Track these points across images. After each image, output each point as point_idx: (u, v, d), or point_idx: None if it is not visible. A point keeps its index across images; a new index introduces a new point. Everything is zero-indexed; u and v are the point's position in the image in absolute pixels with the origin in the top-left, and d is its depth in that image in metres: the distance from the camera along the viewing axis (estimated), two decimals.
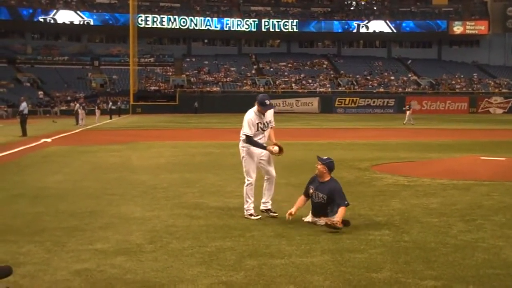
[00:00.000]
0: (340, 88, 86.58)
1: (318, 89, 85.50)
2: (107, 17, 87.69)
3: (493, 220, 9.64)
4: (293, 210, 9.27)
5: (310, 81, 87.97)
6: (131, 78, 75.94)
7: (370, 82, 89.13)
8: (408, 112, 49.60)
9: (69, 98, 75.13)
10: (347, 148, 24.22)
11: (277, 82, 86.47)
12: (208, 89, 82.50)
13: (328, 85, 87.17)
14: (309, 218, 9.37)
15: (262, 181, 10.09)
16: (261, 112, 9.74)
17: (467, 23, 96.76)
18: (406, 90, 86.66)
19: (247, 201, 9.83)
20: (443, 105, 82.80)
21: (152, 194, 12.28)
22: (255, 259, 7.18)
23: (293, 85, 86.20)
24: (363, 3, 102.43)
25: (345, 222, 8.90)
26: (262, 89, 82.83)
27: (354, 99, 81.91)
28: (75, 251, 7.55)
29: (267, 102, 9.70)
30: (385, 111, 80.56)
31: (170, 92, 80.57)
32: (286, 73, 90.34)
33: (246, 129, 9.73)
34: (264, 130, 9.88)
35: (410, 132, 36.77)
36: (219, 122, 51.68)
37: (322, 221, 8.92)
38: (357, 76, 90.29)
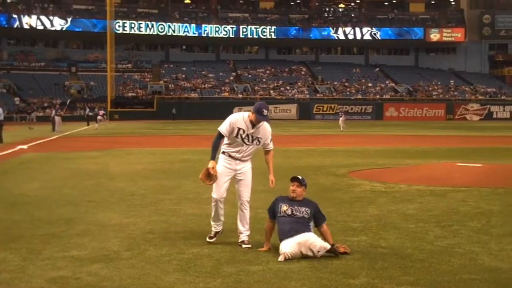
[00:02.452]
0: (318, 95, 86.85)
1: (296, 95, 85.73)
2: (84, 23, 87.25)
3: (469, 226, 9.72)
4: (266, 247, 7.96)
5: (288, 87, 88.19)
6: (108, 84, 75.66)
7: (348, 89, 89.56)
8: (341, 119, 50.21)
9: (45, 104, 74.68)
10: (325, 155, 24.30)
11: (256, 89, 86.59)
12: (186, 95, 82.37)
13: (306, 92, 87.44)
14: (286, 249, 7.46)
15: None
16: (253, 123, 8.15)
17: (444, 30, 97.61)
18: (384, 97, 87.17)
19: (211, 221, 8.56)
20: (420, 112, 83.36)
21: (130, 201, 12.22)
22: (233, 265, 7.18)
23: (271, 91, 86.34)
24: (341, 10, 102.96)
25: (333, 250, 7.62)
26: (240, 96, 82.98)
27: (332, 105, 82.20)
28: (51, 259, 7.49)
29: (265, 112, 8.09)
30: (363, 117, 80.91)
31: (148, 98, 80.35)
32: (264, 80, 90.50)
33: (223, 124, 8.23)
34: (246, 144, 8.22)
35: (388, 139, 36.97)
36: (198, 128, 51.63)
37: (319, 250, 7.42)
38: (335, 83, 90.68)
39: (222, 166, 8.30)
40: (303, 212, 7.85)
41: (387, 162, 20.79)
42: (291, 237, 7.54)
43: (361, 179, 15.89)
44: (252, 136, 8.18)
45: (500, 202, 12.14)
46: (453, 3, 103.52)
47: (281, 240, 7.68)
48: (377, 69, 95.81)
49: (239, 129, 8.13)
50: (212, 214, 8.50)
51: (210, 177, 8.18)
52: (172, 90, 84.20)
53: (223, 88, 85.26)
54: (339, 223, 9.92)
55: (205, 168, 8.24)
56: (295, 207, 7.86)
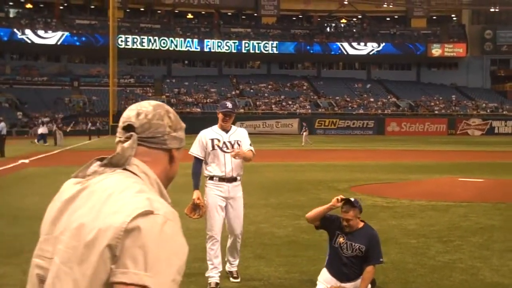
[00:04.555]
0: (320, 110, 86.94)
1: (298, 110, 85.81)
2: (87, 38, 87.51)
3: (471, 241, 9.72)
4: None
5: (290, 102, 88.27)
6: (110, 98, 75.73)
7: (350, 104, 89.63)
8: (304, 134, 50.30)
9: (48, 119, 74.77)
10: (326, 170, 24.30)
11: (257, 103, 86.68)
12: (188, 110, 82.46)
13: (308, 107, 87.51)
14: (322, 286, 6.80)
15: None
16: (224, 128, 7.39)
17: (446, 45, 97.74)
18: (385, 112, 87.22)
19: (208, 264, 7.47)
20: (422, 127, 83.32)
21: None
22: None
23: (273, 106, 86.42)
24: (342, 26, 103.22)
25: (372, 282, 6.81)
26: (242, 110, 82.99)
27: (334, 120, 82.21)
28: None
29: (228, 104, 7.44)
30: (365, 132, 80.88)
31: None
32: (266, 95, 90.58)
33: (192, 147, 7.33)
34: (226, 152, 7.36)
35: (389, 154, 36.94)
36: None
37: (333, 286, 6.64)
38: (337, 97, 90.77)
39: (213, 195, 7.38)
40: (356, 249, 6.65)
41: (389, 177, 20.80)
42: (341, 282, 6.67)
43: (363, 194, 15.88)
44: (230, 142, 7.36)
45: (501, 217, 12.15)
46: (454, 18, 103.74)
47: (327, 269, 6.86)
48: (369, 85, 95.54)
49: (212, 140, 7.32)
50: (209, 258, 7.38)
51: (196, 209, 7.21)
52: (174, 104, 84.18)
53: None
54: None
55: (195, 205, 7.25)
56: (350, 242, 6.66)
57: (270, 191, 16.39)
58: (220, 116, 7.35)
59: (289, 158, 31.64)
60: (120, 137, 1.99)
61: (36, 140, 47.37)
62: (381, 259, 6.67)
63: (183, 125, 2.09)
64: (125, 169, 1.93)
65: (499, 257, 8.53)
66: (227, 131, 7.37)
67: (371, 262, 6.59)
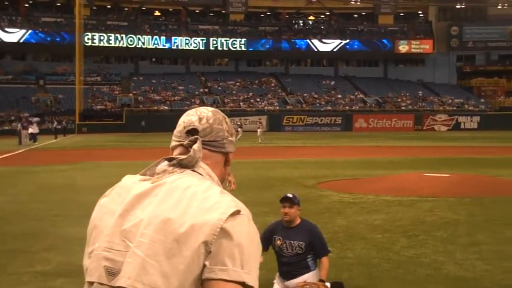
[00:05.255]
0: (288, 107, 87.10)
1: (266, 107, 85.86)
2: (53, 36, 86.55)
3: (435, 236, 9.82)
4: None
5: (258, 99, 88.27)
6: (77, 97, 75.06)
7: (318, 101, 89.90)
8: (259, 130, 50.64)
9: (12, 118, 73.85)
10: (294, 166, 24.36)
11: (225, 101, 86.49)
12: (155, 108, 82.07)
13: (276, 104, 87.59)
14: (276, 286, 6.92)
15: None
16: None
17: (412, 42, 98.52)
18: (353, 108, 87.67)
19: None
20: (389, 123, 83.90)
21: None
22: None
23: (241, 103, 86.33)
24: (310, 23, 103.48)
25: (339, 285, 7.01)
26: (210, 108, 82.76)
27: (302, 117, 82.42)
28: (16, 274, 7.41)
29: None
30: (333, 129, 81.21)
31: (117, 111, 79.80)
32: (234, 92, 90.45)
33: None
34: None
35: (357, 150, 37.17)
36: (167, 141, 50.93)
37: (301, 285, 6.55)
38: (305, 94, 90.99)
39: None
40: (296, 247, 6.68)
41: (356, 173, 20.91)
42: (286, 280, 6.76)
43: (330, 190, 15.97)
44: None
45: (466, 212, 12.28)
46: (421, 15, 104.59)
47: (279, 274, 6.90)
48: (333, 82, 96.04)
49: None
50: None
51: None
52: (141, 102, 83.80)
53: (192, 100, 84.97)
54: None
55: None
56: (289, 241, 6.69)
57: (237, 188, 16.28)
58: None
59: (257, 155, 31.64)
60: (180, 141, 2.07)
61: (28, 139, 47.46)
62: (328, 249, 6.79)
63: (234, 131, 2.18)
64: (193, 170, 2.00)
65: (463, 251, 8.62)
66: None
67: (321, 255, 6.68)
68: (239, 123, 57.22)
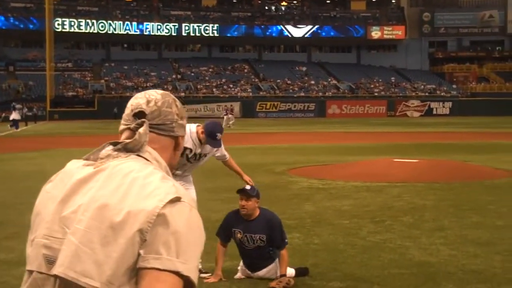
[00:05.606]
0: (261, 93, 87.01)
1: (239, 94, 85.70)
2: (22, 21, 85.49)
3: (402, 221, 9.83)
4: (218, 273, 6.70)
5: (231, 85, 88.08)
6: (47, 83, 74.23)
7: (291, 87, 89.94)
8: (225, 117, 50.99)
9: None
10: (265, 153, 24.32)
11: (198, 87, 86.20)
12: (127, 94, 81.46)
13: (249, 90, 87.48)
14: (240, 274, 6.88)
15: None
16: (201, 141, 6.96)
17: (385, 28, 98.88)
18: (326, 94, 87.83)
19: None
20: (362, 109, 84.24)
21: None
22: None
23: (214, 89, 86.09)
24: (283, 8, 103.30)
25: (303, 271, 6.83)
26: (182, 94, 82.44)
27: (275, 103, 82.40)
28: None
29: (218, 136, 6.81)
30: (306, 115, 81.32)
31: (89, 97, 79.13)
32: (207, 78, 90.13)
33: None
34: (191, 162, 7.12)
35: (330, 136, 37.24)
36: None
37: (276, 283, 6.41)
38: (278, 80, 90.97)
39: None
40: (257, 240, 6.65)
41: (327, 159, 20.91)
42: (251, 272, 6.75)
43: (300, 176, 15.95)
44: (199, 154, 7.08)
45: (434, 197, 12.33)
46: (393, 1, 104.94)
47: (243, 263, 6.85)
48: (305, 68, 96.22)
49: (185, 149, 6.84)
50: None
51: None
52: (113, 89, 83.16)
53: (165, 87, 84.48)
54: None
55: None
56: (249, 234, 6.66)
57: (207, 175, 16.19)
58: (202, 137, 6.90)
59: (229, 142, 31.50)
60: (128, 124, 2.01)
61: (9, 126, 47.36)
62: (286, 240, 6.71)
63: (186, 114, 2.13)
64: (138, 155, 1.94)
65: (428, 236, 8.64)
66: (202, 143, 6.96)
67: (279, 247, 6.64)
68: (231, 107, 57.15)
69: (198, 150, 7.04)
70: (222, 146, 7.23)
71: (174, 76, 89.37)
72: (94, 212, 1.79)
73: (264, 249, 6.67)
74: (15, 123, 47.12)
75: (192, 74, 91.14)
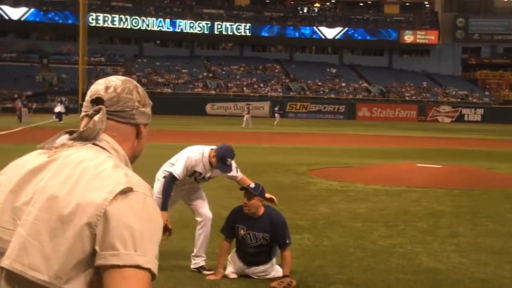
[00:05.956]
0: (291, 93, 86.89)
1: (269, 93, 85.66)
2: (56, 15, 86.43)
3: (416, 226, 9.71)
4: (220, 271, 6.71)
5: (261, 85, 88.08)
6: (80, 77, 74.89)
7: (322, 88, 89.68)
8: (246, 116, 50.78)
9: (15, 95, 73.74)
10: (289, 153, 24.23)
11: (229, 85, 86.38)
12: (159, 90, 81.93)
13: (279, 90, 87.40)
14: (231, 269, 6.79)
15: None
16: (211, 164, 6.90)
17: (418, 32, 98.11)
18: (357, 97, 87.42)
19: None
20: (393, 113, 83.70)
21: None
22: (169, 257, 7.05)
23: (244, 88, 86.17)
24: (316, 10, 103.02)
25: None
26: (213, 92, 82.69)
27: (305, 104, 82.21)
28: None
29: (229, 162, 6.82)
30: (336, 117, 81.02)
31: None
32: (238, 77, 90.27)
33: (179, 168, 6.83)
34: (198, 182, 7.15)
35: (356, 138, 37.01)
36: (168, 123, 51.24)
37: (277, 283, 6.29)
38: (309, 81, 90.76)
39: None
40: (260, 238, 6.61)
41: (350, 161, 20.78)
42: (247, 267, 6.68)
43: (320, 178, 15.85)
44: (208, 177, 7.09)
45: (453, 203, 12.17)
46: (427, 5, 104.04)
47: (236, 252, 6.82)
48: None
49: (195, 172, 6.93)
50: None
51: (164, 230, 6.26)
52: (144, 84, 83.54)
53: (196, 84, 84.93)
54: (286, 221, 9.82)
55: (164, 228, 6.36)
56: (252, 232, 6.62)
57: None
58: (213, 161, 6.84)
59: (255, 141, 31.51)
60: (87, 111, 1.94)
61: (54, 117, 48.68)
62: (287, 241, 6.62)
63: (150, 101, 2.06)
64: (95, 144, 1.88)
65: (440, 243, 8.51)
66: (213, 166, 6.90)
67: (282, 247, 6.59)
68: (247, 106, 57.45)
69: (208, 174, 7.00)
70: (234, 167, 7.05)
71: (205, 74, 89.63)
72: (43, 203, 1.73)
73: (267, 247, 6.63)
74: (59, 115, 48.01)
75: (223, 72, 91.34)
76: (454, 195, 13.27)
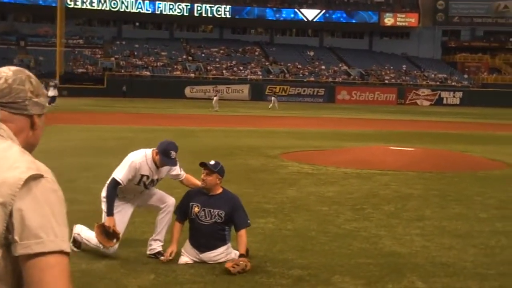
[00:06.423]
0: (271, 76, 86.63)
1: (249, 76, 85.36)
2: None
3: (383, 210, 9.63)
4: (173, 248, 6.57)
5: (241, 68, 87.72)
6: (57, 59, 74.17)
7: (301, 71, 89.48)
8: (215, 98, 50.41)
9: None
10: (264, 136, 24.10)
11: (208, 68, 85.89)
12: (137, 73, 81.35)
13: (259, 73, 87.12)
14: (186, 258, 6.59)
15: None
16: (157, 165, 6.74)
17: (398, 15, 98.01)
18: (336, 80, 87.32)
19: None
20: (372, 96, 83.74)
21: None
22: (125, 245, 6.91)
23: (224, 71, 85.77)
24: None
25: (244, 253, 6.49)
26: (192, 75, 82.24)
27: (285, 87, 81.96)
28: None
29: (173, 154, 6.64)
30: (315, 100, 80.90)
31: (98, 75, 78.98)
32: (217, 59, 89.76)
33: (121, 173, 6.67)
34: (148, 189, 6.94)
35: (334, 121, 36.95)
36: (146, 107, 50.92)
37: (231, 266, 6.15)
38: (289, 64, 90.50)
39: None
40: (215, 216, 6.47)
41: (324, 144, 20.68)
42: (200, 253, 6.52)
43: (292, 161, 15.74)
44: (157, 180, 6.92)
45: (423, 186, 12.11)
46: None
47: (188, 240, 6.65)
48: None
49: (142, 176, 6.73)
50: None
51: (109, 235, 6.52)
52: (123, 67, 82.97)
53: (175, 67, 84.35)
54: (252, 204, 9.67)
55: (97, 226, 6.63)
56: (208, 209, 6.49)
57: (199, 156, 15.90)
58: (158, 158, 6.69)
59: (231, 124, 31.35)
60: None
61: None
62: (248, 221, 6.56)
63: (45, 91, 2.07)
64: None
65: (405, 226, 8.43)
66: (158, 167, 6.78)
67: (241, 226, 6.48)
68: (215, 89, 57.40)
69: (156, 176, 6.83)
70: (178, 165, 6.89)
71: (184, 57, 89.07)
72: None
73: (220, 226, 6.51)
74: (53, 99, 47.46)
75: (203, 55, 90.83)
76: (425, 178, 13.22)
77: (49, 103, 47.09)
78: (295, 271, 6.19)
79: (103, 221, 6.68)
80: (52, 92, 48.76)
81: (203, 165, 6.60)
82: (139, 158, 6.73)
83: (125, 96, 72.44)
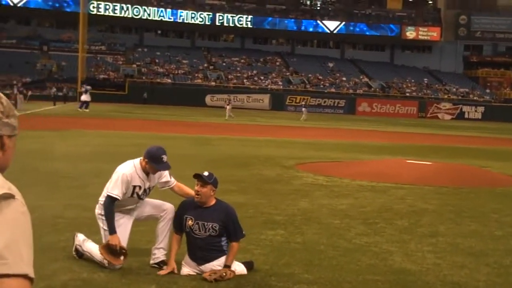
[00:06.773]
0: (291, 86, 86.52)
1: (269, 86, 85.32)
2: (58, 2, 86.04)
3: (396, 224, 9.42)
4: (170, 269, 6.36)
5: (262, 77, 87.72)
6: (79, 65, 74.56)
7: (322, 82, 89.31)
8: (227, 107, 50.02)
9: (14, 82, 73.36)
10: (282, 146, 23.95)
11: (229, 77, 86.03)
12: (158, 80, 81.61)
13: (280, 83, 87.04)
14: (187, 269, 6.43)
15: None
16: (146, 171, 6.66)
17: (420, 28, 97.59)
18: (357, 92, 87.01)
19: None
20: (393, 108, 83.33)
21: (55, 183, 11.78)
22: (128, 254, 6.78)
23: (245, 80, 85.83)
24: (318, 3, 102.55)
25: (249, 265, 6.57)
26: (213, 83, 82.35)
27: (305, 98, 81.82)
28: None
29: (165, 158, 6.55)
30: (335, 111, 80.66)
31: (120, 81, 79.37)
32: (238, 69, 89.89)
33: (115, 188, 6.55)
34: (142, 199, 6.82)
35: (354, 134, 36.68)
36: (166, 114, 50.94)
37: (208, 275, 6.14)
38: (309, 75, 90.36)
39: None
40: (209, 229, 6.33)
41: (341, 156, 20.47)
42: (199, 265, 6.36)
43: (307, 172, 15.57)
44: (149, 189, 6.81)
45: (438, 201, 11.88)
46: (430, 2, 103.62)
47: (187, 252, 6.52)
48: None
49: (134, 187, 6.64)
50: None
51: (116, 253, 6.42)
52: (144, 74, 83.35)
53: (196, 75, 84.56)
54: (263, 215, 9.56)
55: (102, 246, 6.51)
56: (201, 222, 6.34)
57: (215, 165, 15.93)
58: (148, 166, 6.59)
59: (249, 133, 31.24)
60: None
61: (78, 107, 48.34)
62: (243, 232, 6.48)
63: (16, 113, 2.00)
64: None
65: (418, 242, 8.22)
66: (148, 174, 6.69)
67: (235, 238, 6.38)
68: (228, 98, 57.24)
69: (147, 185, 6.73)
70: (168, 171, 6.80)
71: (205, 65, 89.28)
72: None
73: (216, 239, 6.37)
74: (86, 104, 47.68)
75: (224, 64, 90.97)
76: (441, 193, 12.98)
77: (81, 108, 47.42)
78: (301, 286, 6.02)
79: (103, 239, 6.59)
80: (85, 97, 48.99)
81: (197, 176, 6.43)
82: (129, 170, 6.64)
83: (146, 103, 72.65)
